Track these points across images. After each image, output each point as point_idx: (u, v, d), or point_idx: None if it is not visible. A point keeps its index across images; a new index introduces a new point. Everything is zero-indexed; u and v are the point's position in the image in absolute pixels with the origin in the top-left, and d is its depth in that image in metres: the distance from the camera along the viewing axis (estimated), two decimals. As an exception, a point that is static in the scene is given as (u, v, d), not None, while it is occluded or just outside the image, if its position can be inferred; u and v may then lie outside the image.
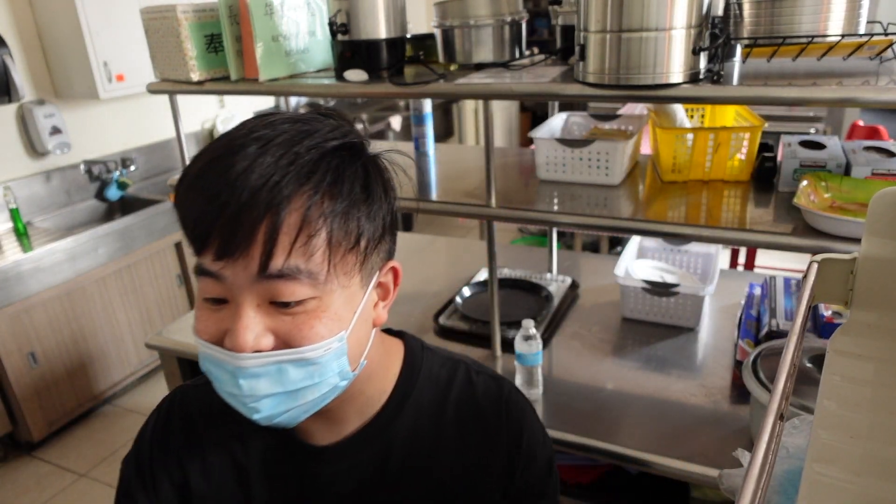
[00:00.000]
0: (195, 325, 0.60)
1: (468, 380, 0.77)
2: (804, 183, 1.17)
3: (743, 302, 1.57)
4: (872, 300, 0.54)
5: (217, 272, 0.55)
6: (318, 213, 0.55)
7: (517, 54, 1.36)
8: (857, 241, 1.03)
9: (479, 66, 1.36)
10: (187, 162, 1.71)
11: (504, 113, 5.47)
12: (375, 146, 0.65)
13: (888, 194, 0.53)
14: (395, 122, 4.35)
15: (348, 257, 0.59)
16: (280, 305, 0.56)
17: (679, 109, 1.50)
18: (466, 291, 1.87)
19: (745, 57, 1.15)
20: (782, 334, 1.31)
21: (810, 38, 1.01)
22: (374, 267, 0.64)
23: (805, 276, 0.55)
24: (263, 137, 0.56)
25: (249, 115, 0.64)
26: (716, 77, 1.07)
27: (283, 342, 0.57)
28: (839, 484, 0.41)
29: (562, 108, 1.80)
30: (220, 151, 0.56)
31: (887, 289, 0.53)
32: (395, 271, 0.69)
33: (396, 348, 0.77)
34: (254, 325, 0.56)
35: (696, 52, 1.05)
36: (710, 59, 1.09)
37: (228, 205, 0.53)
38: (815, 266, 0.55)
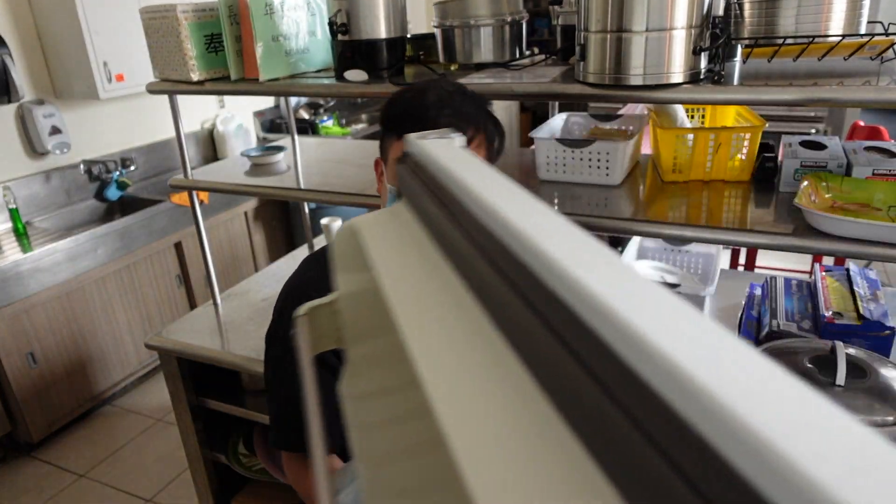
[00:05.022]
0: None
1: None
2: (805, 183, 1.17)
3: (743, 302, 1.57)
4: (359, 333, 0.52)
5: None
6: None
7: (517, 54, 1.36)
8: (857, 241, 1.03)
9: (480, 66, 1.36)
10: (188, 162, 1.71)
11: (504, 113, 5.47)
12: None
13: (346, 229, 0.51)
14: (395, 122, 4.35)
15: None
16: None
17: (679, 109, 1.50)
18: (466, 292, 1.86)
19: (746, 57, 1.14)
20: (783, 335, 1.30)
21: (811, 39, 1.01)
22: None
23: (296, 331, 0.52)
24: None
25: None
26: (716, 77, 1.07)
27: None
28: None
29: (562, 109, 1.80)
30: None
31: (366, 317, 0.50)
32: None
33: None
34: None
35: (696, 52, 1.05)
36: (711, 60, 1.08)
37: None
38: (305, 319, 0.53)
